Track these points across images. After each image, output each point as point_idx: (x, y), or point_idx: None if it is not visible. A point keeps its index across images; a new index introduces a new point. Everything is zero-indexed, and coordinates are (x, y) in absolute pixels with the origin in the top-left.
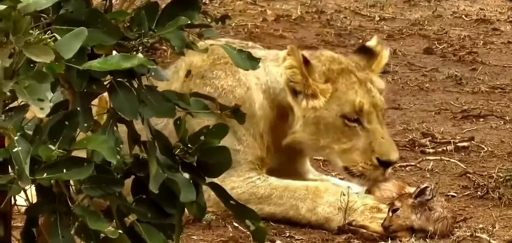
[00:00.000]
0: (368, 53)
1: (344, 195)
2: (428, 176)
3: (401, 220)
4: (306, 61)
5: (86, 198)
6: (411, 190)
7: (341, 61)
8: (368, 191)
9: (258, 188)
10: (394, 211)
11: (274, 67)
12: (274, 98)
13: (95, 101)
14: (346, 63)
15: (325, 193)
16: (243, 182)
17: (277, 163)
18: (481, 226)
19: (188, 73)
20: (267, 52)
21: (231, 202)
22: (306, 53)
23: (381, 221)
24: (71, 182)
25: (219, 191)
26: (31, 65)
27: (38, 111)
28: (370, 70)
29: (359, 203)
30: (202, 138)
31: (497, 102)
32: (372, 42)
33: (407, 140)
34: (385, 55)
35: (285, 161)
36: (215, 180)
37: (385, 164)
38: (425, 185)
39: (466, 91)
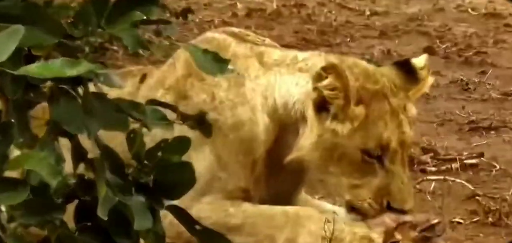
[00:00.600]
0: (409, 72)
1: (328, 222)
2: (429, 199)
3: None
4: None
5: (20, 226)
6: (409, 217)
7: (377, 80)
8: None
9: (229, 217)
10: None
11: (289, 76)
12: (281, 115)
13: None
14: (382, 83)
15: (307, 220)
16: (213, 210)
17: (266, 191)
18: None
19: (143, 77)
20: (285, 53)
21: (196, 227)
22: (335, 59)
23: None
24: (2, 208)
25: (182, 215)
26: None
27: None
28: (406, 95)
29: (347, 232)
30: (159, 153)
31: (511, 111)
32: (419, 61)
33: None
34: (428, 82)
35: (277, 185)
36: (179, 205)
37: (394, 210)
38: (436, 220)
39: (473, 99)
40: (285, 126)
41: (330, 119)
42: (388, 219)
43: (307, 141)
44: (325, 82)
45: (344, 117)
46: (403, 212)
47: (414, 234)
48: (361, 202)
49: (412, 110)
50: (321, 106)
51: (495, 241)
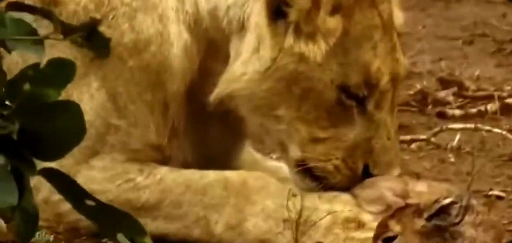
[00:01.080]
0: None
1: (294, 195)
2: (452, 159)
3: None
4: None
5: None
6: (420, 188)
7: None
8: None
9: (138, 191)
10: (388, 240)
11: None
12: (208, 28)
13: None
14: None
15: (260, 193)
16: (113, 179)
17: (190, 151)
18: None
19: None
20: None
21: (87, 203)
22: None
23: None
24: None
25: (63, 184)
26: None
27: None
28: None
29: (323, 211)
30: (27, 86)
31: None
32: None
33: (412, 91)
34: None
35: (207, 142)
36: (55, 168)
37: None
38: (449, 199)
39: None
40: (214, 46)
41: (292, 33)
42: (389, 192)
43: (249, 66)
44: None
45: (312, 31)
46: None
47: (420, 223)
48: (322, 162)
49: (398, 18)
50: (278, 11)
51: None
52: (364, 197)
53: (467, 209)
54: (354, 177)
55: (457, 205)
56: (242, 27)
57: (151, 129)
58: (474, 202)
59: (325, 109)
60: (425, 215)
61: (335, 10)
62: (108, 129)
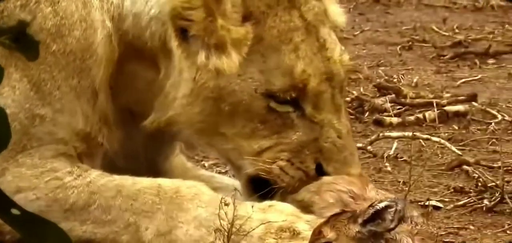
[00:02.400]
0: None
1: (226, 204)
2: (389, 168)
3: None
4: None
5: None
6: (370, 194)
7: None
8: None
9: (66, 191)
10: None
11: None
12: (130, 32)
13: None
14: None
15: (193, 200)
16: (42, 177)
17: (120, 148)
18: None
19: None
20: None
21: (12, 212)
22: None
23: None
24: None
25: None
26: None
27: None
28: None
29: (257, 221)
30: None
31: None
32: None
33: (348, 98)
34: None
35: (135, 141)
36: None
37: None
38: (384, 203)
39: (462, 7)
40: (138, 51)
41: (202, 50)
42: (346, 195)
43: (178, 90)
44: None
45: (221, 44)
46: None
47: (355, 228)
48: (268, 165)
49: (339, 17)
50: (184, 30)
51: (494, 236)
52: (320, 203)
53: (402, 214)
54: (306, 177)
55: (392, 210)
56: (165, 46)
57: (78, 115)
58: (414, 213)
59: (260, 120)
60: (360, 220)
61: (245, 19)
62: (33, 120)
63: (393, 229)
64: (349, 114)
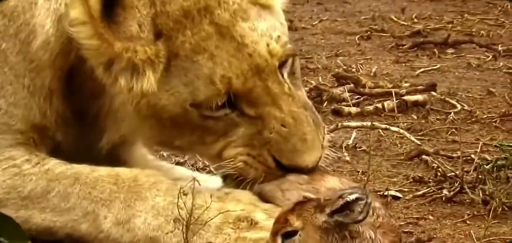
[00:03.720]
0: None
1: (185, 194)
2: (347, 158)
3: None
4: (108, 4)
5: None
6: (332, 184)
7: None
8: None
9: (24, 178)
10: (288, 236)
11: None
12: (75, 52)
13: None
14: None
15: (151, 189)
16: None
17: (74, 140)
18: None
19: None
20: None
21: None
22: None
23: None
24: None
25: None
26: None
27: None
28: None
29: (215, 211)
30: None
31: (481, 17)
32: None
33: (307, 88)
34: None
35: (98, 140)
36: None
37: (289, 170)
38: (355, 195)
39: None
40: (78, 61)
41: (121, 76)
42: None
43: (122, 119)
44: (71, 16)
45: (133, 66)
46: (300, 170)
47: (322, 218)
48: (232, 163)
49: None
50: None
51: (453, 227)
52: (282, 200)
53: (370, 207)
54: (268, 169)
55: (362, 202)
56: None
57: (35, 111)
58: (376, 204)
59: (202, 128)
60: (328, 210)
61: (157, 37)
62: None
63: (361, 221)
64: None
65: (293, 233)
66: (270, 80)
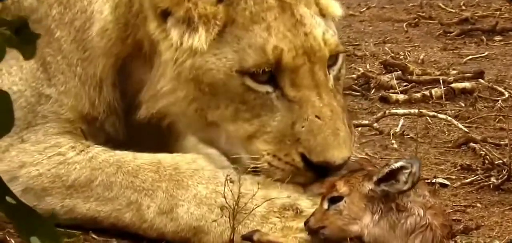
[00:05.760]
0: None
1: (231, 181)
2: (395, 145)
3: (344, 220)
4: None
5: None
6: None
7: None
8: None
9: (68, 166)
10: (334, 201)
11: None
12: (133, 25)
13: None
14: None
15: (192, 177)
16: (45, 152)
17: (130, 136)
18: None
19: None
20: None
21: (7, 200)
22: None
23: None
24: None
25: None
26: None
27: None
28: None
29: (259, 198)
30: None
31: None
32: None
33: (354, 75)
34: None
35: (142, 137)
36: None
37: (317, 168)
38: (400, 163)
39: None
40: (144, 46)
41: (176, 29)
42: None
43: (164, 78)
44: None
45: (190, 20)
46: (328, 167)
47: (368, 186)
48: (258, 161)
49: (333, 6)
50: (163, 12)
51: (501, 215)
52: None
53: (417, 178)
54: (296, 170)
55: (407, 171)
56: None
57: (84, 100)
58: (426, 192)
59: (240, 100)
60: (374, 178)
61: (219, 1)
62: (39, 98)
63: (405, 191)
64: (355, 91)
65: (339, 198)
66: (317, 66)
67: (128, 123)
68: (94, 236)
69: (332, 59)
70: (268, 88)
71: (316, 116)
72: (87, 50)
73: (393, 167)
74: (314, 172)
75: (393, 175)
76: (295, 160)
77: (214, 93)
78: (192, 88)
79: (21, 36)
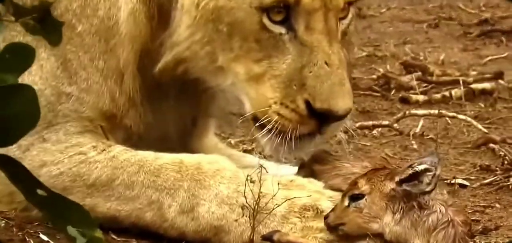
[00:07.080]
0: None
1: (252, 182)
2: (415, 146)
3: (363, 218)
4: None
5: None
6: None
7: None
8: (309, 171)
9: (89, 165)
10: (355, 198)
11: None
12: (156, 19)
13: None
14: None
15: (214, 177)
16: (66, 151)
17: (148, 122)
18: None
19: None
20: None
21: (38, 192)
22: None
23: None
24: None
25: (17, 173)
26: None
27: None
28: None
29: (280, 198)
30: None
31: None
32: None
33: (374, 76)
34: None
35: (167, 118)
36: (7, 150)
37: (321, 116)
38: (423, 166)
39: None
40: (163, 12)
41: None
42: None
43: (182, 26)
44: None
45: None
46: (331, 116)
47: (390, 186)
48: (264, 111)
49: None
50: None
51: None
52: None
53: (438, 179)
54: (301, 117)
55: (430, 173)
56: None
57: (105, 96)
58: (444, 191)
59: (254, 38)
60: (397, 178)
61: None
62: (59, 97)
63: (428, 193)
64: (375, 92)
65: (360, 196)
66: (332, 13)
67: (151, 112)
68: (113, 236)
69: (344, 12)
70: (282, 29)
71: (325, 62)
72: (112, 39)
73: (417, 169)
74: (316, 119)
75: (416, 176)
76: (300, 107)
77: (230, 33)
78: (210, 29)
79: (45, 24)
